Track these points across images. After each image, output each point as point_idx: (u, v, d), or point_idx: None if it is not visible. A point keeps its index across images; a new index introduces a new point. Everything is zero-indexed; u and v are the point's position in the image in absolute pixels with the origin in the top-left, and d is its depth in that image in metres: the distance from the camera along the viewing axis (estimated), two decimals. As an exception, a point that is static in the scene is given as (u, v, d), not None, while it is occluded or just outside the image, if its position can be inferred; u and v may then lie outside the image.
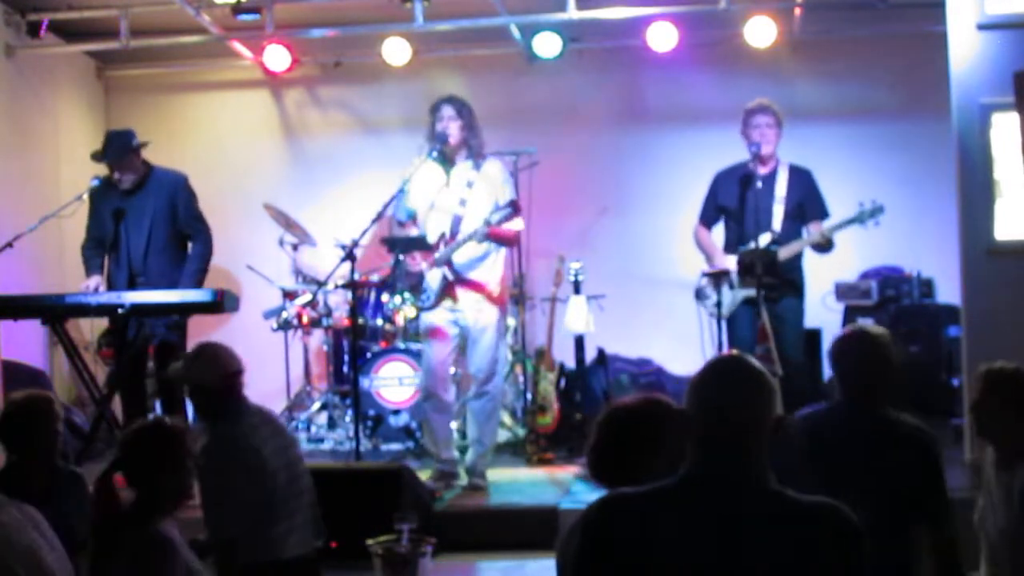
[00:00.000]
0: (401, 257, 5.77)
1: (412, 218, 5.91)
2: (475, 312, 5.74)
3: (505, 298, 6.09)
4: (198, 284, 5.82)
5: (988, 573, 3.55)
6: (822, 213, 6.00)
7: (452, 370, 6.02)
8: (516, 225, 5.74)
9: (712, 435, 2.19)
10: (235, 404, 3.95)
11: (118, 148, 5.89)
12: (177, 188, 6.00)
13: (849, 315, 7.30)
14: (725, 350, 6.02)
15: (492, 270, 5.79)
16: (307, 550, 3.98)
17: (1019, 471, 3.41)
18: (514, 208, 5.59)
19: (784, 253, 5.86)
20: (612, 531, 2.18)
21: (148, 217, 5.92)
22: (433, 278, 5.73)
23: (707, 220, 6.22)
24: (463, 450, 6.18)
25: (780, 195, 5.93)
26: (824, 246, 5.90)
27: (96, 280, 5.87)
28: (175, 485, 3.05)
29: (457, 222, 5.73)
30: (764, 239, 5.77)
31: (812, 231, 5.92)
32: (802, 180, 6.03)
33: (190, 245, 6.26)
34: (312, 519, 4.03)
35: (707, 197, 6.21)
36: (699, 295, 6.13)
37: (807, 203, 5.99)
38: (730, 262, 5.96)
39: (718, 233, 6.23)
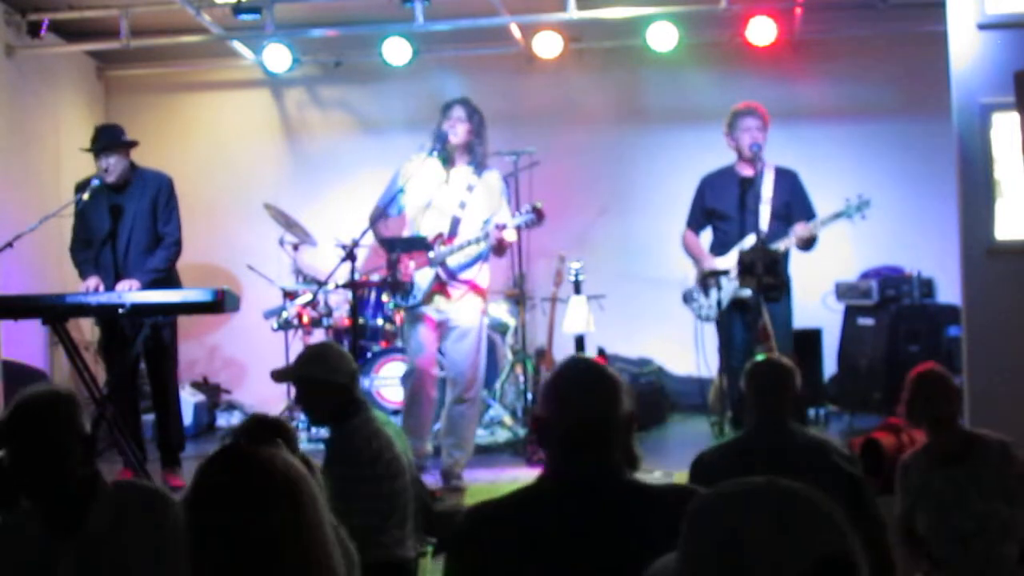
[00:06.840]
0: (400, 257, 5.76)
1: (400, 213, 5.88)
2: (462, 313, 5.74)
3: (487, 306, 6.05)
4: (150, 285, 5.75)
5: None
6: (808, 214, 5.99)
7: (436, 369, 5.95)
8: (512, 236, 5.74)
9: (570, 436, 2.22)
10: (360, 402, 3.79)
11: (107, 136, 5.97)
12: (159, 188, 6.00)
13: (849, 315, 7.31)
14: (719, 352, 6.02)
15: (480, 274, 5.82)
16: (419, 551, 3.82)
17: (970, 463, 3.58)
18: (538, 215, 5.56)
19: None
20: (480, 543, 2.21)
21: (131, 217, 5.92)
22: (424, 276, 5.72)
23: (695, 225, 6.21)
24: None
25: (766, 196, 5.94)
26: (809, 242, 5.88)
27: (95, 280, 5.85)
28: None
29: (456, 223, 5.73)
30: (749, 240, 5.75)
31: (799, 231, 5.90)
32: (788, 181, 6.04)
33: None
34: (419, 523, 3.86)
35: (694, 202, 6.19)
36: (687, 299, 6.12)
37: (794, 204, 6.00)
38: (719, 264, 5.95)
39: (705, 237, 6.22)
